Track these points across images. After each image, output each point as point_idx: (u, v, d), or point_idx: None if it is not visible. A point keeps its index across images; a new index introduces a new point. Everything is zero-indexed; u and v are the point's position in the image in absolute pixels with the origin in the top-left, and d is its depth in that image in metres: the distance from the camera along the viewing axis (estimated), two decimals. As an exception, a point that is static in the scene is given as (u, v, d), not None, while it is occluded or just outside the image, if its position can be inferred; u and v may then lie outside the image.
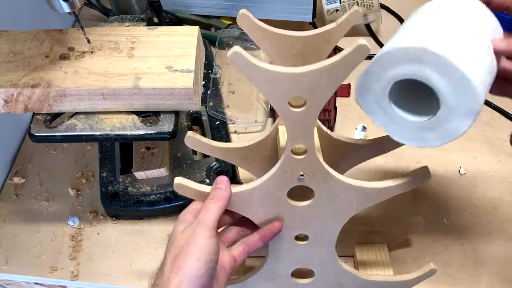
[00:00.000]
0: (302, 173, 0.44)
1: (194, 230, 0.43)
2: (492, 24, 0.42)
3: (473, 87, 0.35)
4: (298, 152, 0.43)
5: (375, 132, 0.74)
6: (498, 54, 0.40)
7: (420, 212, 0.66)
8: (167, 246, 0.45)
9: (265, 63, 0.36)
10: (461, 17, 0.40)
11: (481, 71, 0.37)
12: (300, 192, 0.47)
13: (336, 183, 0.45)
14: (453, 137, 0.39)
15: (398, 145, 0.47)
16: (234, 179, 0.68)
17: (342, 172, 0.52)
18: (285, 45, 0.47)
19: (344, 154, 0.54)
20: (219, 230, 0.49)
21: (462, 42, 0.37)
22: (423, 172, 0.45)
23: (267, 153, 0.55)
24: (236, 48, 0.35)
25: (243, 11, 0.45)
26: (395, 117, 0.41)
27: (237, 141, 0.74)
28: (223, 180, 0.46)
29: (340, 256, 0.54)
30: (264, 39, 0.47)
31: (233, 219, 0.50)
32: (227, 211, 0.49)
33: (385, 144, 0.52)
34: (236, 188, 0.47)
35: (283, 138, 0.50)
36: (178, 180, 0.47)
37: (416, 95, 0.40)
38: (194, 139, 0.50)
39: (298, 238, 0.52)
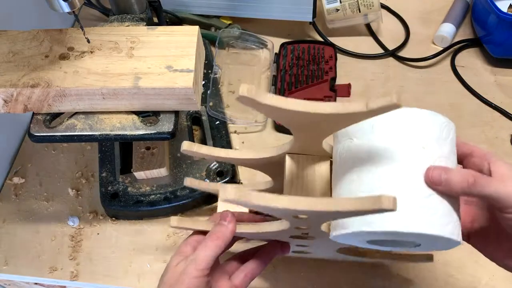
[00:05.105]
0: (305, 229, 0.45)
1: (185, 269, 0.43)
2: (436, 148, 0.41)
3: (445, 238, 0.39)
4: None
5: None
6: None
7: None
8: (161, 276, 0.45)
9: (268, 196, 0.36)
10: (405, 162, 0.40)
11: (445, 219, 0.39)
12: None
13: None
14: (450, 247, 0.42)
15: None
16: (234, 179, 0.68)
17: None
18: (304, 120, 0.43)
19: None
20: (224, 261, 0.50)
21: (420, 204, 0.39)
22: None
23: (272, 167, 0.55)
24: (228, 193, 0.35)
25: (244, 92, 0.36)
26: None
27: (237, 140, 0.75)
28: (227, 216, 0.46)
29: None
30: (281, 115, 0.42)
31: (237, 240, 0.51)
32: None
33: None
34: (240, 228, 0.47)
35: (289, 172, 0.50)
36: (174, 222, 0.49)
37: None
38: (192, 152, 0.51)
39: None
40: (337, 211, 0.34)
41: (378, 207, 0.33)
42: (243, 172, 0.70)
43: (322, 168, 0.50)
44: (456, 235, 0.40)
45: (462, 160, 0.45)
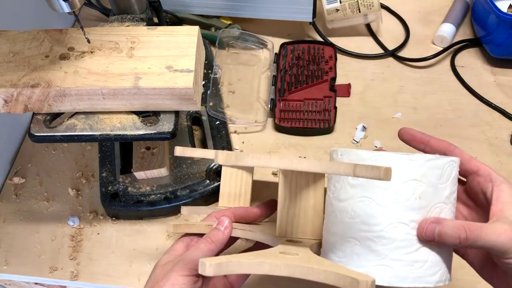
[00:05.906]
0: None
1: (173, 266, 0.43)
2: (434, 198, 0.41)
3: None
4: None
5: (375, 132, 0.74)
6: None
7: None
8: (150, 273, 0.45)
9: None
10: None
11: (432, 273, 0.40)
12: None
13: None
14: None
15: None
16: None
17: None
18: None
19: None
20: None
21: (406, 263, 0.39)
22: None
23: None
24: (208, 269, 0.35)
25: None
26: None
27: (237, 140, 0.74)
28: (224, 221, 0.46)
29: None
30: None
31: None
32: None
33: None
34: (236, 233, 0.48)
35: (282, 193, 0.50)
36: (170, 229, 0.50)
37: None
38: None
39: None
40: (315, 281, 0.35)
41: None
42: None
43: (317, 191, 0.49)
44: (443, 281, 0.40)
45: (467, 176, 0.44)
